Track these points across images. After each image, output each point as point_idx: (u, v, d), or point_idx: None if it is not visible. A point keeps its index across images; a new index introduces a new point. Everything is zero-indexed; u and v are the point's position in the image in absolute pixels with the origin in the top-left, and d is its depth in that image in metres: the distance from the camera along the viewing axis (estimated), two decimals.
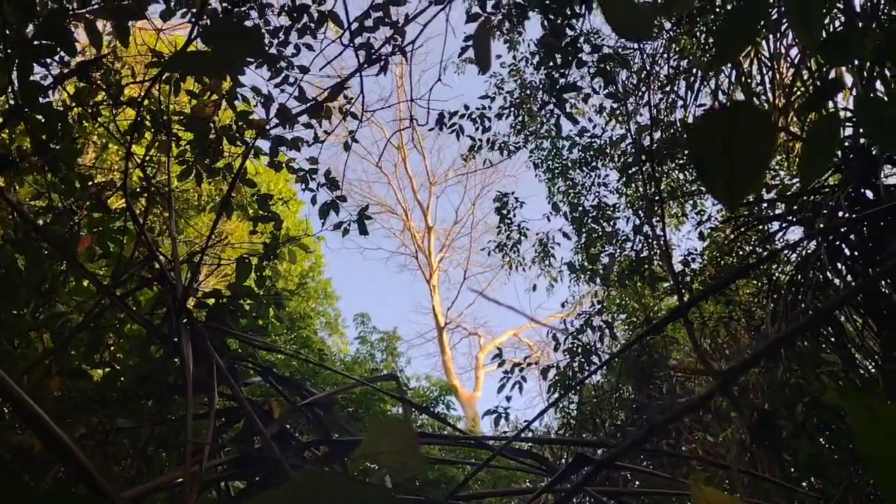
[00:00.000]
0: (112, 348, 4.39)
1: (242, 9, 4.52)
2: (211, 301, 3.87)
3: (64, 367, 4.06)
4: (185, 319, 3.19)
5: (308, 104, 4.24)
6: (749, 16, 1.55)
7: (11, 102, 3.69)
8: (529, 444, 3.44)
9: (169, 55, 3.47)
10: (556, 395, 7.15)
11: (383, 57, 4.38)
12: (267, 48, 4.72)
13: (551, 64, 5.42)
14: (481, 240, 25.39)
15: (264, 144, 4.80)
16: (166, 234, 5.62)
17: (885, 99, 1.08)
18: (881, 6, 4.39)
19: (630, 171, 9.26)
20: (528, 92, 9.16)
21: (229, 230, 9.63)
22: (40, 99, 4.02)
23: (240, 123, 4.18)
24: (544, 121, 9.66)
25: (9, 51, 3.63)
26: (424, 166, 26.44)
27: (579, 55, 5.23)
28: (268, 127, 4.41)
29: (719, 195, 0.79)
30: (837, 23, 5.59)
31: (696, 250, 9.54)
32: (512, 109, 9.01)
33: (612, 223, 9.32)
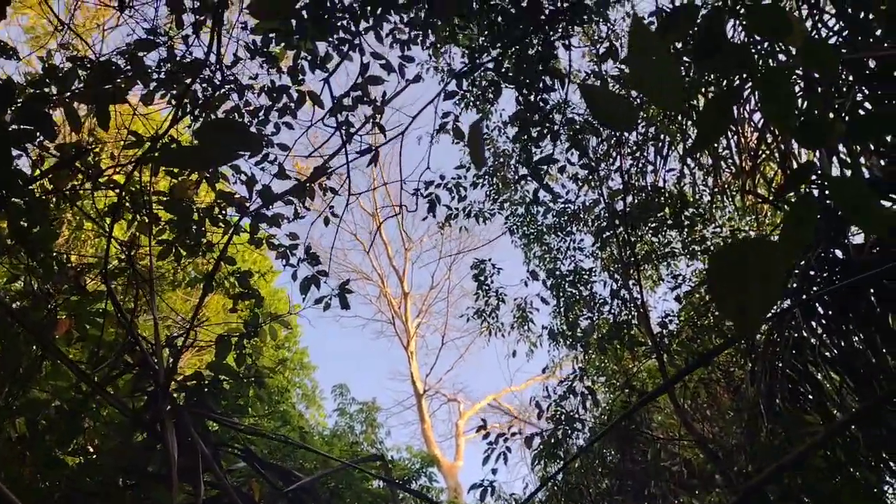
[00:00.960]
0: (87, 436, 4.28)
1: (223, 90, 4.59)
2: (192, 384, 3.81)
3: (38, 456, 3.95)
4: (168, 405, 3.13)
5: (291, 185, 4.29)
6: (726, 103, 1.62)
7: None
8: None
9: (159, 148, 3.51)
10: (542, 464, 7.06)
11: (362, 136, 4.47)
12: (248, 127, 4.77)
13: (525, 137, 5.55)
14: (458, 304, 25.35)
15: (245, 221, 4.82)
16: (145, 315, 5.55)
17: (857, 179, 1.14)
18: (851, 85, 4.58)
19: (604, 236, 9.38)
20: (501, 160, 9.33)
21: (205, 307, 9.53)
22: (21, 184, 4.01)
23: (220, 203, 4.20)
24: (518, 188, 9.81)
25: None
26: (399, 232, 26.48)
27: (553, 127, 5.36)
28: (248, 205, 4.44)
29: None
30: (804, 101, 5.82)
31: (672, 312, 9.63)
32: (486, 178, 9.15)
33: (589, 287, 9.39)
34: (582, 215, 10.08)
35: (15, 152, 4.15)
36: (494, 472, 6.30)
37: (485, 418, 7.20)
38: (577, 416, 7.09)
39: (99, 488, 3.40)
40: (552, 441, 6.94)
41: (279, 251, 4.95)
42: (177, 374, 3.99)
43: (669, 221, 9.36)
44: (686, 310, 9.96)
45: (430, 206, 7.22)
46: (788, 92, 1.33)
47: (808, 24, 5.43)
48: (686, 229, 9.39)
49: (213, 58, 4.36)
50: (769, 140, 7.96)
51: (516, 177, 9.29)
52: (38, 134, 4.19)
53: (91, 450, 4.10)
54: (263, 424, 10.37)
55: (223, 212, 4.21)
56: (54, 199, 4.86)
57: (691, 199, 9.18)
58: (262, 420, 10.61)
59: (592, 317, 8.86)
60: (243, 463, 3.44)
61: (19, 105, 4.16)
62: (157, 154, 3.36)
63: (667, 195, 9.19)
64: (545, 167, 6.12)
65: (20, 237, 4.17)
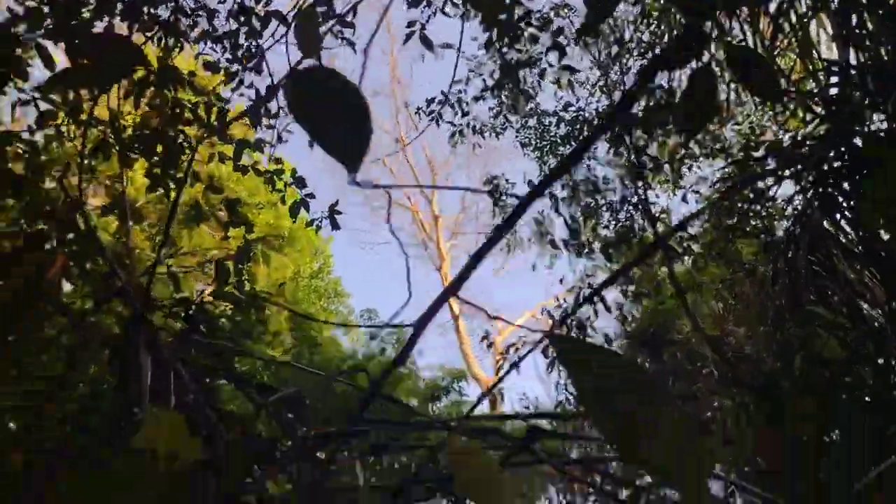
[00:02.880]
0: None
1: (192, 18, 4.52)
2: (177, 309, 3.88)
3: (34, 403, 4.11)
4: (140, 332, 3.20)
5: (255, 102, 4.24)
6: None
7: None
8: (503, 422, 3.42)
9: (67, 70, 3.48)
10: (556, 370, 7.13)
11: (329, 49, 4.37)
12: (220, 54, 4.72)
13: (497, 41, 5.38)
14: (490, 223, 25.28)
15: (229, 150, 4.81)
16: (165, 250, 5.63)
17: None
18: None
19: (617, 141, 9.18)
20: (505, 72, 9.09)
21: (213, 240, 9.68)
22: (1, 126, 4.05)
23: (190, 129, 4.20)
24: (527, 98, 9.59)
25: None
26: (425, 156, 26.33)
27: (525, 30, 5.18)
28: (226, 133, 4.42)
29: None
30: None
31: (691, 213, 9.47)
32: (491, 92, 8.94)
33: (603, 195, 9.26)
34: (594, 122, 9.86)
35: None
36: (501, 380, 6.39)
37: (488, 330, 7.25)
38: (588, 323, 7.10)
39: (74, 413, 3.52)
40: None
41: (266, 177, 4.95)
42: (166, 300, 4.08)
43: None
44: (707, 210, 9.77)
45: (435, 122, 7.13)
46: None
47: None
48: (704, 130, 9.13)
49: None
50: (786, 30, 7.60)
51: (521, 88, 9.06)
52: (9, 76, 4.20)
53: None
54: (292, 350, 10.66)
55: (187, 139, 4.20)
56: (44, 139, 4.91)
57: None
58: (290, 344, 10.90)
59: (608, 225, 8.77)
60: (224, 381, 3.54)
61: None
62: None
63: (681, 95, 8.87)
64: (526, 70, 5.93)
65: (6, 179, 4.23)
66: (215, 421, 2.96)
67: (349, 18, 4.42)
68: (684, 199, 8.19)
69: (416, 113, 7.26)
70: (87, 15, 4.31)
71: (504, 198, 9.82)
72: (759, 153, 8.35)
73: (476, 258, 1.33)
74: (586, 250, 8.35)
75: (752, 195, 8.88)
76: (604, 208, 9.30)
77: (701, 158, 10.25)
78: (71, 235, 4.59)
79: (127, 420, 3.26)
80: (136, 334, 3.23)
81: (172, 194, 5.05)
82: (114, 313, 4.63)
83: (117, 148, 4.61)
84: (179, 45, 4.52)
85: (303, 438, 3.09)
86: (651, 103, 9.29)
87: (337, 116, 0.72)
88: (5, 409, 3.66)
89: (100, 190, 6.04)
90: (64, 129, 4.81)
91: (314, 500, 2.95)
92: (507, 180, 9.99)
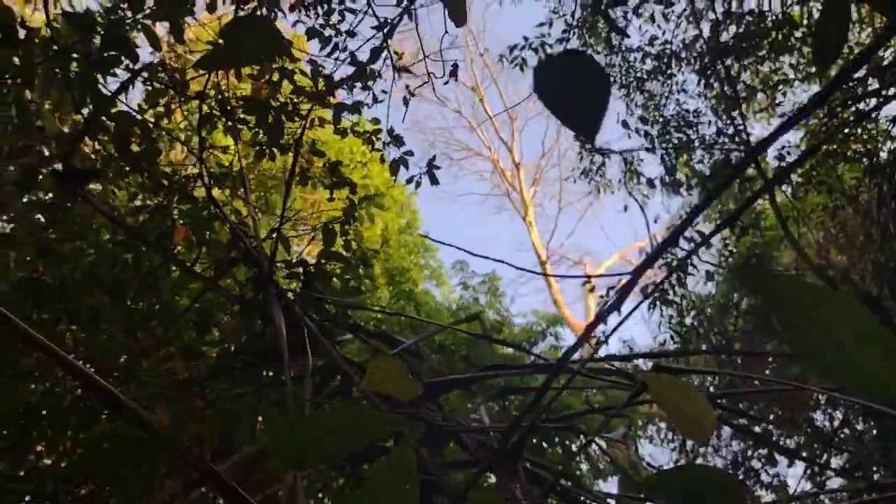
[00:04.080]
0: (222, 324, 4.74)
1: None
2: (296, 270, 4.10)
3: (182, 349, 4.43)
4: (272, 291, 3.41)
5: (357, 68, 4.35)
6: None
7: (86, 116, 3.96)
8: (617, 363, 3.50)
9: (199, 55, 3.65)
10: (657, 310, 7.11)
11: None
12: (314, 20, 4.84)
13: None
14: (572, 167, 24.96)
15: (329, 113, 4.96)
16: (261, 216, 5.89)
17: None
18: None
19: (708, 72, 8.89)
20: (588, 9, 8.89)
21: (317, 201, 9.97)
22: (113, 108, 4.29)
23: (295, 98, 4.34)
24: (619, 33, 9.35)
25: (73, 73, 3.90)
26: (502, 104, 26.04)
27: None
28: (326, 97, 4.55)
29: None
30: None
31: (789, 142, 9.13)
32: (575, 31, 8.78)
33: (695, 129, 9.01)
34: (682, 54, 9.56)
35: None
36: (604, 323, 6.41)
37: (588, 274, 7.24)
38: (689, 261, 7.02)
39: (231, 371, 3.80)
40: (665, 287, 6.95)
41: (364, 137, 5.09)
42: (283, 262, 4.30)
43: (778, 47, 8.72)
44: (806, 139, 9.40)
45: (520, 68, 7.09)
46: None
47: None
48: (797, 52, 8.72)
49: None
50: None
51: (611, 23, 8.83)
52: (121, 58, 4.43)
53: (223, 340, 4.54)
54: (390, 304, 10.95)
55: (297, 107, 4.35)
56: (153, 115, 5.17)
57: (801, 20, 8.46)
58: (387, 298, 11.20)
59: (701, 160, 8.55)
60: (349, 335, 3.74)
61: (101, 34, 4.37)
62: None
63: (772, 18, 8.52)
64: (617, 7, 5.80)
65: (126, 158, 4.50)
66: (347, 370, 3.15)
67: None
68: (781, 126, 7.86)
69: (498, 61, 7.22)
70: None
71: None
72: (860, 73, 7.95)
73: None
74: (684, 187, 8.18)
75: (853, 118, 8.49)
76: (696, 142, 9.07)
77: (797, 83, 9.83)
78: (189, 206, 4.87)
79: (274, 370, 3.51)
80: (266, 294, 3.45)
81: (278, 161, 5.25)
82: (232, 276, 4.92)
83: (225, 120, 4.82)
84: (274, 14, 4.65)
85: (428, 383, 3.26)
86: (741, 29, 8.94)
87: (581, 96, 0.80)
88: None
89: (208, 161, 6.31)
90: (173, 105, 5.06)
91: (441, 441, 3.12)
92: None
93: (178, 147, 7.60)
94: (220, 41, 1.33)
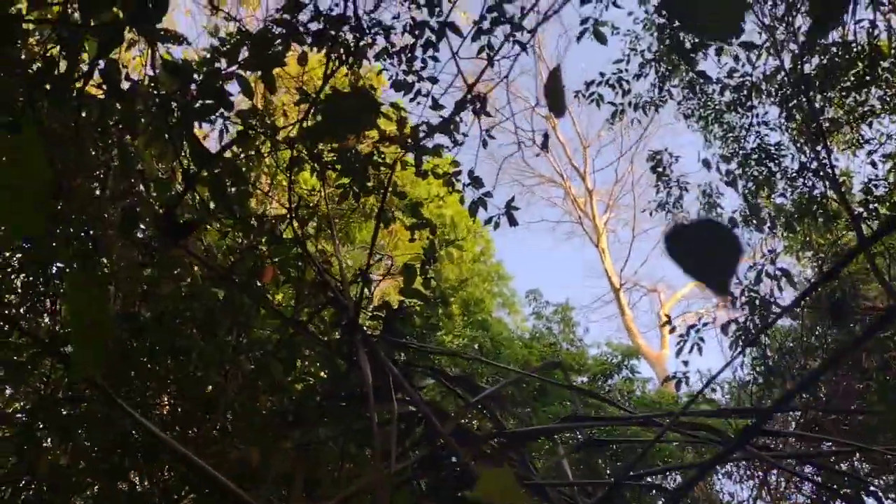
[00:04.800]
0: (306, 363, 4.90)
1: (368, 36, 4.81)
2: (379, 313, 4.22)
3: (267, 384, 4.60)
4: (359, 335, 3.53)
5: (443, 116, 4.48)
6: None
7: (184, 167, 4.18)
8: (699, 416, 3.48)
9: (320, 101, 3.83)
10: (738, 350, 6.95)
11: (504, 57, 4.53)
12: (397, 67, 5.00)
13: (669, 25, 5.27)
14: (645, 194, 24.64)
15: (410, 156, 5.10)
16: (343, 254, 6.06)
17: None
18: None
19: (790, 104, 8.71)
20: (666, 43, 8.85)
21: (395, 242, 10.17)
22: (210, 156, 4.52)
23: (381, 146, 4.50)
24: (693, 69, 9.28)
25: (173, 121, 4.14)
26: (575, 131, 25.99)
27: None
28: (408, 141, 4.69)
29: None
30: None
31: (877, 175, 8.83)
32: (652, 64, 8.75)
33: (777, 163, 8.82)
34: (763, 86, 9.40)
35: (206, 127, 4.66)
36: (686, 363, 6.33)
37: (669, 313, 7.16)
38: (772, 299, 6.86)
39: (318, 409, 3.92)
40: (748, 326, 6.80)
41: (444, 179, 5.20)
42: (367, 304, 4.42)
43: (865, 78, 8.48)
44: (894, 171, 9.08)
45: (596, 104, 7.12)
46: None
47: None
48: (884, 84, 8.47)
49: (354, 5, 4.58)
50: None
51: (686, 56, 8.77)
52: (218, 106, 4.67)
53: (308, 378, 4.70)
54: (465, 333, 11.03)
55: (381, 154, 4.50)
56: (244, 162, 5.42)
57: (888, 50, 8.23)
58: (461, 328, 11.28)
59: (783, 193, 8.36)
60: (432, 380, 3.81)
61: (198, 83, 4.63)
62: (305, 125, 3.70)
63: (858, 49, 8.30)
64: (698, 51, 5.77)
65: (220, 200, 4.72)
66: (431, 417, 3.22)
67: (523, 21, 4.56)
68: (872, 163, 7.65)
69: (574, 97, 7.27)
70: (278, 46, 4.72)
71: (669, 172, 9.62)
72: None
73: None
74: (767, 224, 8.01)
75: None
76: (778, 176, 8.88)
77: (883, 115, 9.52)
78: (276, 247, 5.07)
79: (357, 417, 3.62)
80: (353, 337, 3.57)
81: (363, 202, 5.41)
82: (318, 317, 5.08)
83: (312, 164, 5.01)
84: (359, 63, 4.84)
85: (511, 434, 3.30)
86: (825, 60, 8.74)
87: (712, 258, 0.86)
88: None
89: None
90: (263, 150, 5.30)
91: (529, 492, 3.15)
92: (670, 154, 9.77)
93: (263, 181, 7.89)
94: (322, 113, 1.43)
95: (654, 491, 2.77)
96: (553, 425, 3.18)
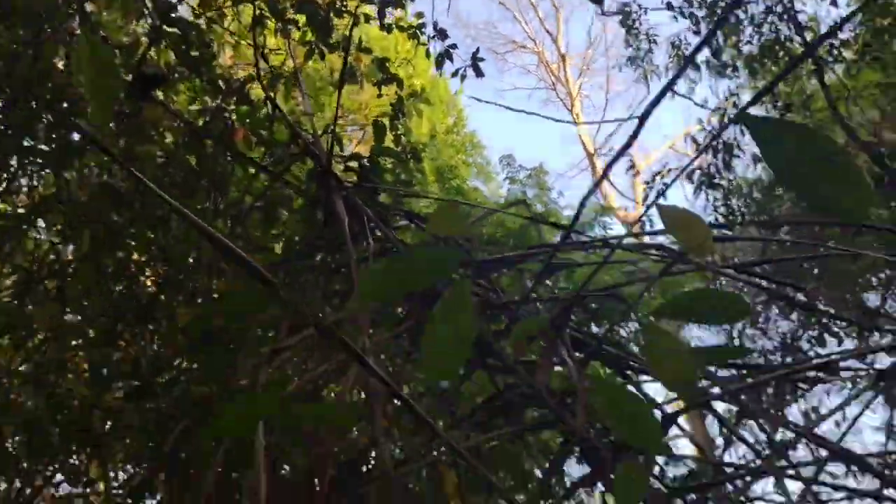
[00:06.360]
0: (285, 225, 5.06)
1: None
2: (355, 164, 4.35)
3: (246, 242, 4.78)
4: (333, 181, 3.68)
5: None
6: None
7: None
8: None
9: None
10: (703, 194, 7.21)
11: None
12: None
13: None
14: (620, 58, 24.30)
15: (373, 9, 5.08)
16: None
17: None
18: None
19: None
20: None
21: (365, 100, 10.10)
22: (172, 14, 4.48)
23: None
24: None
25: None
26: None
27: None
28: None
29: None
30: None
31: (841, 17, 8.83)
32: None
33: (744, 9, 8.77)
34: None
35: None
36: (649, 207, 6.56)
37: (633, 160, 7.34)
38: (736, 143, 7.04)
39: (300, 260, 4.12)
40: (710, 171, 7.02)
41: (408, 32, 5.20)
42: (338, 157, 4.54)
43: None
44: (863, 14, 9.07)
45: None
46: None
47: None
48: None
49: None
50: None
51: None
52: None
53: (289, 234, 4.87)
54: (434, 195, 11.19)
55: (345, 4, 4.49)
56: (206, 21, 5.34)
57: None
58: (436, 193, 11.42)
59: (750, 41, 8.36)
60: (406, 221, 4.01)
61: None
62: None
63: None
64: None
65: (187, 63, 4.72)
66: (405, 249, 3.42)
67: None
68: (834, 2, 7.65)
69: None
70: None
71: (638, 25, 9.55)
72: None
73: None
74: (730, 69, 8.07)
75: None
76: (745, 22, 8.85)
77: None
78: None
79: (338, 256, 3.82)
80: (327, 185, 3.72)
81: (331, 59, 5.42)
82: (291, 175, 5.20)
83: (275, 22, 4.98)
84: None
85: (478, 261, 3.52)
86: None
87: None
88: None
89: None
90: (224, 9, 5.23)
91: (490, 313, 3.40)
92: (639, 6, 9.67)
93: (226, 52, 7.78)
94: None
95: (615, 301, 3.01)
96: (516, 253, 3.40)
